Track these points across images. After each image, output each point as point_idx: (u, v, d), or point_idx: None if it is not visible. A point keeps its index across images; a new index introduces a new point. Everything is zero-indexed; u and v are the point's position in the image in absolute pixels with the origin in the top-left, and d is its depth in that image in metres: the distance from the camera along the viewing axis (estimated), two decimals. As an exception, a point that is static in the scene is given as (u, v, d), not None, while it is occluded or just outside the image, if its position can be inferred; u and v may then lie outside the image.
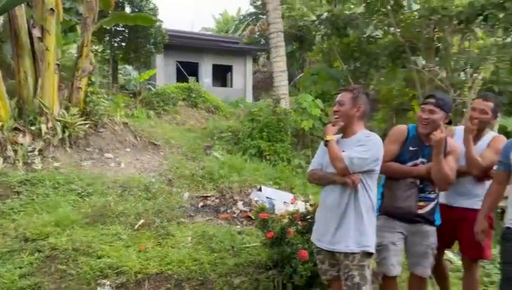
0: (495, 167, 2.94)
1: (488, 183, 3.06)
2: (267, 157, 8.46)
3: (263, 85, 20.68)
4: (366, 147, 2.56)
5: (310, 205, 4.06)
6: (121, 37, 14.08)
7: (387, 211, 2.89)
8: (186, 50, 17.45)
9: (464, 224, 3.14)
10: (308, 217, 3.81)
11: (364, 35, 10.61)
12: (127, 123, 7.89)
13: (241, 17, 23.74)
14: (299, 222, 3.78)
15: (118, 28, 13.57)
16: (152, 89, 14.71)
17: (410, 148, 2.90)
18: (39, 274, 3.50)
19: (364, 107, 2.69)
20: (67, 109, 6.83)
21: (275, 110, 9.34)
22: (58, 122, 6.41)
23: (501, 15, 7.25)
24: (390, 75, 11.12)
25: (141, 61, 14.72)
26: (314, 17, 12.81)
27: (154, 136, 8.25)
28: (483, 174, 3.07)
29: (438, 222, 3.00)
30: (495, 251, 3.53)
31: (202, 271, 3.67)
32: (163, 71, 17.03)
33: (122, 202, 5.24)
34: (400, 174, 2.87)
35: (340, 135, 2.73)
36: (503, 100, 7.26)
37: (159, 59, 16.58)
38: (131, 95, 13.36)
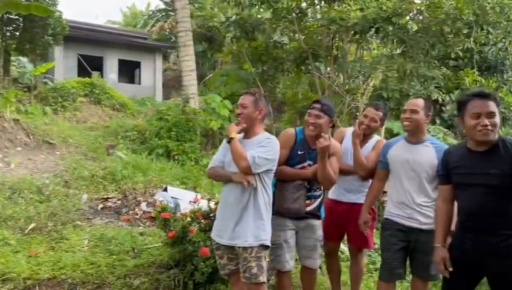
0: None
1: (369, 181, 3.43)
2: (175, 157, 8.39)
3: (174, 83, 20.30)
4: (267, 148, 2.73)
5: (215, 203, 4.16)
6: (14, 26, 12.81)
7: (278, 211, 3.03)
8: (89, 43, 16.48)
9: (350, 216, 3.46)
10: (211, 215, 3.89)
11: (271, 40, 11.01)
12: (18, 120, 7.26)
13: (151, 13, 23.05)
14: (202, 220, 3.85)
15: (10, 16, 12.35)
16: (49, 83, 13.68)
17: (299, 152, 3.11)
18: None
19: (265, 110, 2.87)
20: None
21: (184, 110, 9.29)
22: None
23: (390, 28, 8.05)
24: (295, 79, 11.72)
25: (37, 53, 13.57)
26: (224, 19, 12.97)
27: (50, 134, 7.70)
28: (368, 175, 3.40)
29: (323, 215, 3.27)
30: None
31: (99, 274, 3.55)
32: (62, 64, 15.87)
33: (11, 205, 4.84)
34: (289, 177, 3.06)
35: (242, 135, 2.86)
36: (390, 105, 8.10)
37: (58, 51, 15.41)
38: (25, 90, 12.29)
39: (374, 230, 3.90)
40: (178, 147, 8.62)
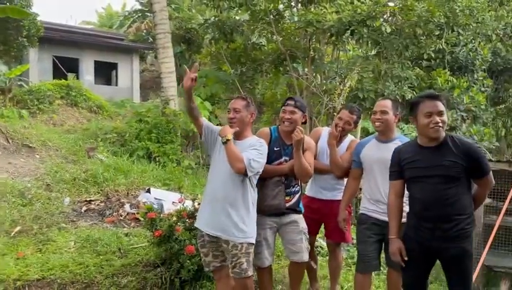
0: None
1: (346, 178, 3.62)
2: (156, 158, 8.42)
3: (152, 84, 20.18)
4: (259, 152, 2.89)
5: (198, 203, 4.28)
6: (-14, 27, 12.54)
7: (259, 209, 3.11)
8: (65, 44, 16.26)
9: (327, 213, 3.64)
10: (196, 214, 4.02)
11: (250, 42, 11.15)
12: (-4, 124, 7.19)
13: (127, 13, 22.84)
14: (187, 219, 3.97)
15: (-17, 18, 12.07)
16: (24, 85, 13.45)
17: (275, 149, 3.26)
18: None
19: (255, 113, 3.04)
20: None
21: (164, 111, 9.34)
22: None
23: (365, 31, 8.30)
24: (273, 80, 11.90)
25: (12, 55, 13.31)
26: (202, 20, 13.03)
27: (29, 137, 7.63)
28: (343, 174, 3.57)
29: (302, 210, 3.40)
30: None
31: (87, 274, 3.63)
32: (37, 66, 15.62)
33: (-6, 209, 4.83)
34: (268, 173, 3.16)
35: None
36: (366, 105, 8.36)
37: (33, 53, 15.15)
38: (-2, 92, 12.05)
39: (352, 226, 4.10)
40: (159, 149, 8.65)
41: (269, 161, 3.18)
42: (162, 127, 9.05)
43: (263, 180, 3.15)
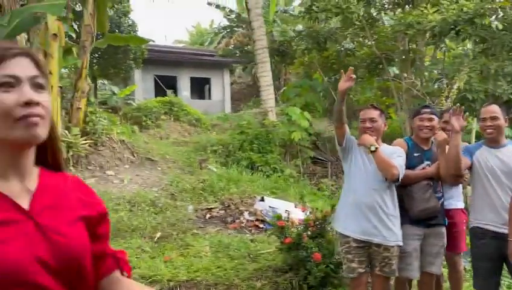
0: (466, 171, 3.26)
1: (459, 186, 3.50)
2: (259, 168, 8.79)
3: (240, 96, 21.05)
4: (402, 158, 2.99)
5: (318, 212, 4.48)
6: (99, 52, 14.07)
7: (411, 215, 3.10)
8: (164, 64, 17.62)
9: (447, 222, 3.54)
10: (317, 223, 4.20)
11: (343, 49, 11.15)
12: (123, 140, 8.06)
13: (216, 30, 24.05)
14: (310, 228, 4.16)
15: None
16: (133, 104, 14.78)
17: (415, 155, 3.24)
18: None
19: (386, 122, 3.12)
20: (68, 129, 6.97)
21: (263, 123, 9.73)
22: (63, 143, 6.54)
23: (471, 29, 7.89)
24: (367, 85, 11.75)
25: (121, 77, 14.77)
26: (292, 33, 13.32)
27: (150, 152, 8.44)
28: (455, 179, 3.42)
29: (446, 222, 3.32)
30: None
31: (227, 277, 3.94)
32: (141, 86, 17.13)
33: (134, 217, 5.44)
34: (416, 179, 3.15)
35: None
36: (476, 107, 7.92)
37: (137, 74, 16.68)
38: (110, 110, 13.37)
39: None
40: (261, 159, 9.02)
41: (412, 165, 3.19)
42: (262, 137, 9.44)
43: (408, 187, 3.15)
